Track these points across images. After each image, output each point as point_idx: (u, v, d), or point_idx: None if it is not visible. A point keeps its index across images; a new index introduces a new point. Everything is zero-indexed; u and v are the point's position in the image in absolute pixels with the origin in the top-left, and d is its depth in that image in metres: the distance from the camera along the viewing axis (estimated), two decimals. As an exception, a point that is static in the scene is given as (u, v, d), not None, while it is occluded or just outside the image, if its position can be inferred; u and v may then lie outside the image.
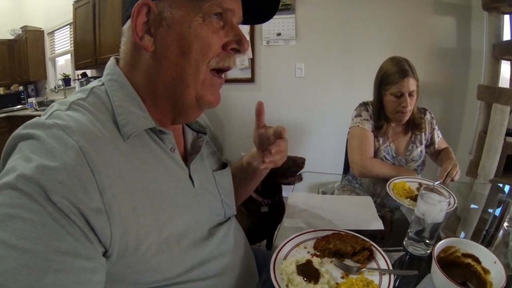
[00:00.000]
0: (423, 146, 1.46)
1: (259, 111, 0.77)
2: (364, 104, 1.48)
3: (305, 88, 2.69)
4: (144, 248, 0.49)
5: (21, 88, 4.63)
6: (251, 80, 2.81)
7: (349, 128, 1.48)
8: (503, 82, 2.00)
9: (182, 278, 0.56)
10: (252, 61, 2.75)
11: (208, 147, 0.76)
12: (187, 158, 0.66)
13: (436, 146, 1.48)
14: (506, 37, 1.94)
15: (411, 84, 1.29)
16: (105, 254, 0.45)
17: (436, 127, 1.49)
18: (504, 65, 1.97)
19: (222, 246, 0.66)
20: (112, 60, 0.60)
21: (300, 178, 1.61)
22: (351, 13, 2.44)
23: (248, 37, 2.66)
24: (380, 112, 1.41)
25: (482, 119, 2.00)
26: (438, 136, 1.49)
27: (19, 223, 0.38)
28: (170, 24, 0.52)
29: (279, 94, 2.77)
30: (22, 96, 4.60)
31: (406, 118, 1.36)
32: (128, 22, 0.55)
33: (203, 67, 0.55)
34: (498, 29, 1.91)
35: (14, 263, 0.37)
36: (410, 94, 1.31)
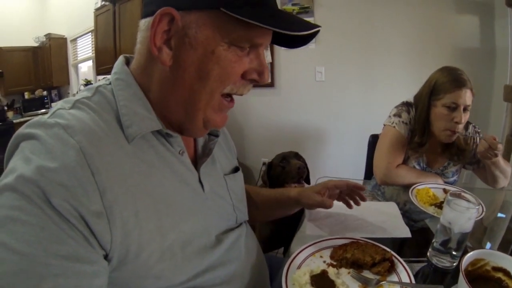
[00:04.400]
0: (459, 165, 1.31)
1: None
2: (407, 105, 1.31)
3: (325, 92, 2.64)
4: (146, 254, 0.47)
5: (45, 93, 4.82)
6: (271, 84, 2.77)
7: (384, 125, 1.34)
8: (532, 82, 1.90)
9: (186, 285, 0.54)
10: (272, 65, 2.72)
11: (220, 149, 0.73)
12: (197, 161, 0.64)
13: (482, 163, 1.26)
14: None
15: (468, 97, 1.13)
16: (105, 258, 0.44)
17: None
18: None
19: (231, 253, 0.64)
20: (120, 59, 0.58)
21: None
22: (370, 15, 2.38)
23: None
24: (425, 128, 1.24)
25: (510, 121, 1.92)
26: None
27: (19, 226, 0.38)
28: (193, 44, 0.48)
29: (299, 98, 2.72)
30: (46, 101, 4.79)
31: (454, 137, 1.19)
32: (146, 21, 0.51)
33: (217, 93, 0.53)
34: (524, 26, 1.82)
35: (13, 267, 0.36)
36: (465, 109, 1.15)
